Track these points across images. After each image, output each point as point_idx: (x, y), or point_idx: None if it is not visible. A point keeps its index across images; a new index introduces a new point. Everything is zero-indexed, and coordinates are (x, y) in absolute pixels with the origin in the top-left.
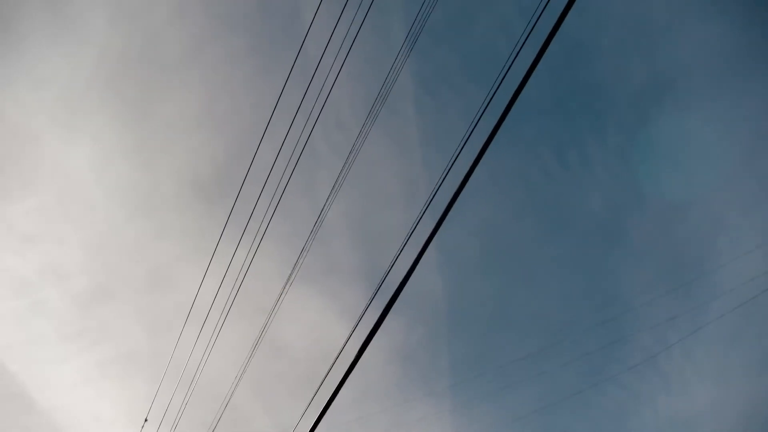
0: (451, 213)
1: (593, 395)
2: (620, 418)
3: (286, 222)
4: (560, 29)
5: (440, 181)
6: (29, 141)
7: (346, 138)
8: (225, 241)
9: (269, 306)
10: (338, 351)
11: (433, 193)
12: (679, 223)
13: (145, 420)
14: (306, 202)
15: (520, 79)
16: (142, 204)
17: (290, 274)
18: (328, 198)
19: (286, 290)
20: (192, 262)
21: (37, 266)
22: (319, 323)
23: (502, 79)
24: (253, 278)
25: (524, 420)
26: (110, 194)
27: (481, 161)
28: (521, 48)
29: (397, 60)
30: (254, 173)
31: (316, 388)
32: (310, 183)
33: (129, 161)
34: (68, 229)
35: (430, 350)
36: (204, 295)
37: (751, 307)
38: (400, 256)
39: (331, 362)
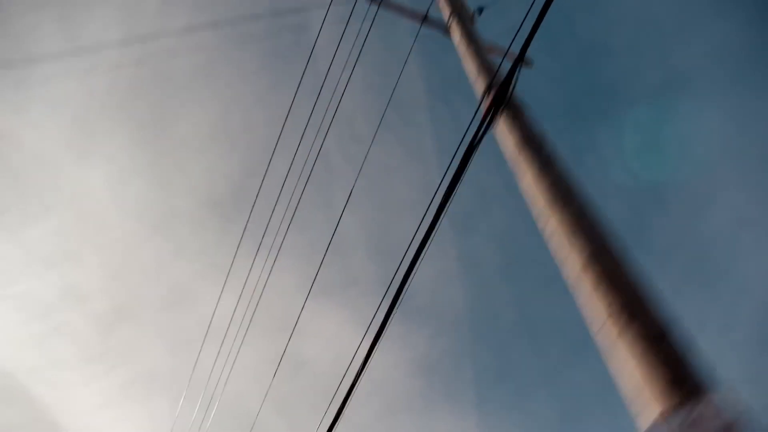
0: (469, 221)
1: (620, 403)
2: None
3: (302, 235)
4: (567, 27)
5: (440, 182)
6: (46, 165)
7: (359, 149)
8: (242, 257)
9: (288, 320)
10: (351, 359)
11: (434, 194)
12: (700, 222)
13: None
14: (321, 215)
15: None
16: (160, 223)
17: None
18: (344, 206)
19: (304, 304)
20: (210, 279)
21: (58, 289)
22: (338, 336)
23: (495, 74)
24: (271, 293)
25: (550, 429)
26: (127, 214)
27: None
28: (512, 41)
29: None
30: (269, 188)
31: (332, 398)
32: (325, 196)
33: (145, 181)
34: (87, 250)
35: (454, 361)
36: (223, 312)
37: None
38: (411, 263)
39: (345, 370)
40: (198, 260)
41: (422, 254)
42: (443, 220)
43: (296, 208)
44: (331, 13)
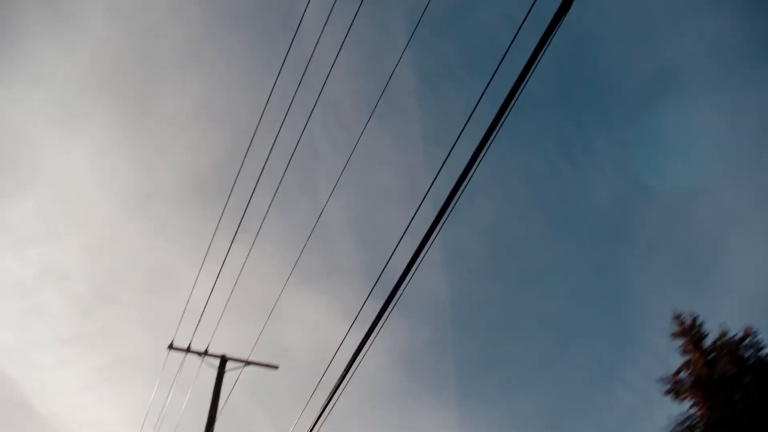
0: (454, 211)
1: (603, 398)
2: (631, 421)
3: (284, 220)
4: (565, 21)
5: (437, 174)
6: (27, 142)
7: (344, 133)
8: (223, 240)
9: (268, 305)
10: (336, 350)
11: (430, 187)
12: (688, 217)
13: None
14: (305, 200)
15: (521, 69)
16: (141, 203)
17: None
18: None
19: (283, 288)
20: (191, 262)
21: (37, 268)
22: (320, 323)
23: (496, 69)
24: (251, 276)
25: (531, 423)
26: (109, 194)
27: (485, 156)
28: (515, 36)
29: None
30: (251, 170)
31: (313, 390)
32: (309, 180)
33: (127, 160)
34: (68, 230)
35: (435, 352)
36: (202, 295)
37: (764, 302)
38: (401, 253)
39: (328, 362)
40: (179, 241)
41: (423, 252)
42: (426, 208)
43: (276, 191)
44: None
